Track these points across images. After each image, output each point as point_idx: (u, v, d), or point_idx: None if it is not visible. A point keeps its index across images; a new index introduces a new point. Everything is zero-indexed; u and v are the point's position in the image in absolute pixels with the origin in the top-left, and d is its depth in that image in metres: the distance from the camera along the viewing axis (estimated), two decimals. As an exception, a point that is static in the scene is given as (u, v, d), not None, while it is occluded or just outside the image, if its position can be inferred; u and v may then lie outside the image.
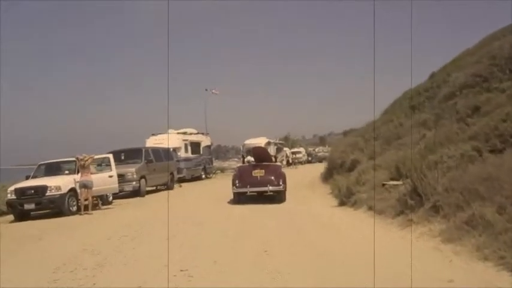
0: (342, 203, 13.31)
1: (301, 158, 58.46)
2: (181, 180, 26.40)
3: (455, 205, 8.19)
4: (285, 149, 51.83)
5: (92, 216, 14.16)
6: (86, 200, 14.66)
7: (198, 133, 32.26)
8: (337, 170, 19.91)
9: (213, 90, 46.59)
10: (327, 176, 22.14)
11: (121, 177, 18.81)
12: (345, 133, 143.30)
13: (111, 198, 17.32)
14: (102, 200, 16.58)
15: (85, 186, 14.56)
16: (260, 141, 46.90)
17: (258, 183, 14.78)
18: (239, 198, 15.04)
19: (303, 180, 24.95)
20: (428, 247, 7.34)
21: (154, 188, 22.68)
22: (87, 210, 14.63)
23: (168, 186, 22.85)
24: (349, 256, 7.17)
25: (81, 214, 14.47)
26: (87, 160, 14.74)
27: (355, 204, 12.32)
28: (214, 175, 34.58)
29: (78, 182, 14.71)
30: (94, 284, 6.27)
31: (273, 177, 14.89)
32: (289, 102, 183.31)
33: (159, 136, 28.14)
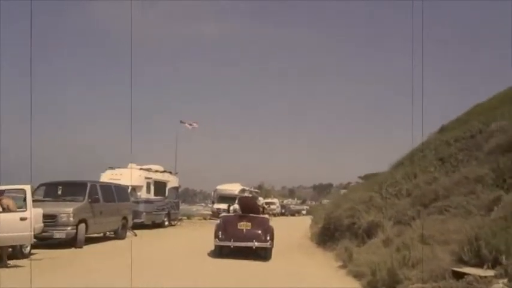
0: (377, 294, 8.47)
1: (274, 209, 53.65)
2: (139, 227, 21.27)
3: None
4: (260, 198, 47.02)
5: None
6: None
7: (164, 171, 27.31)
8: (342, 233, 15.15)
9: (190, 124, 40.78)
10: (325, 239, 17.32)
11: (52, 218, 14.15)
12: (315, 187, 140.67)
13: (28, 249, 12.12)
14: (15, 252, 11.45)
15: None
16: (234, 188, 42.69)
17: (244, 237, 13.48)
18: (221, 252, 13.70)
19: (289, 238, 20.09)
20: None
21: (102, 234, 17.51)
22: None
23: (118, 235, 17.68)
24: None
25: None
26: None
27: (406, 303, 7.52)
28: (179, 222, 29.33)
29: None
30: None
31: (260, 232, 13.59)
32: (261, 151, 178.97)
33: (118, 170, 23.57)
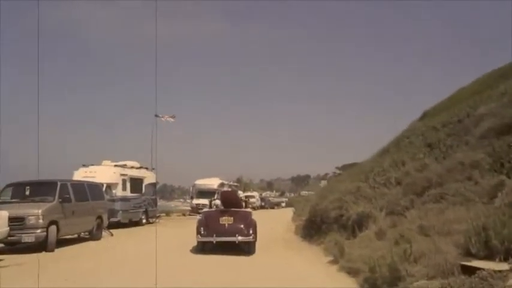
0: (377, 292, 7.74)
1: (254, 202, 53.12)
2: (115, 226, 20.29)
3: None
4: (239, 192, 46.37)
5: None
6: None
7: (140, 167, 26.29)
8: (329, 226, 14.48)
9: (166, 117, 39.14)
10: (311, 232, 16.64)
11: (20, 221, 13.16)
12: (293, 179, 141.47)
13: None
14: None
15: None
16: (213, 182, 41.94)
17: (226, 232, 13.24)
18: (203, 248, 13.40)
19: (272, 232, 19.35)
20: None
21: (76, 236, 16.48)
22: None
23: (92, 235, 16.69)
24: None
25: None
26: None
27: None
28: (157, 220, 28.34)
29: None
30: None
31: (242, 226, 13.35)
32: (239, 145, 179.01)
33: (91, 168, 22.70)
